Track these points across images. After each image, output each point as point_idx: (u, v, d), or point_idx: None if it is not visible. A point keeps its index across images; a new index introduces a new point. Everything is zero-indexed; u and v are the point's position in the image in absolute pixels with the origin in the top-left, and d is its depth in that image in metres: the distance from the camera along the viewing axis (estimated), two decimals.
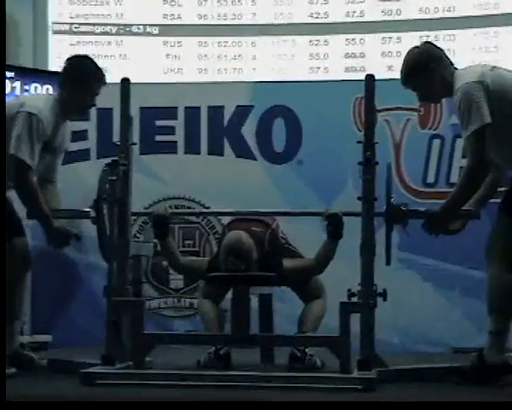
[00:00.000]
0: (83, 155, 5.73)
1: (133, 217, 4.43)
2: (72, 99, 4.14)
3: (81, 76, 4.13)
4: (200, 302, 4.66)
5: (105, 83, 4.20)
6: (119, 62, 6.09)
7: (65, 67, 4.20)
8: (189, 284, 5.80)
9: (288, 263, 4.38)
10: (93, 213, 3.95)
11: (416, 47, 3.99)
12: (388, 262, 3.88)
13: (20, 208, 4.14)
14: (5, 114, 3.96)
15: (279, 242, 4.52)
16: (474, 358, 3.78)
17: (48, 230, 4.05)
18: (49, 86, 5.57)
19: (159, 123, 5.89)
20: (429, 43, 4.11)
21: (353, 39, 6.04)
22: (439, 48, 3.98)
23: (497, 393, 3.53)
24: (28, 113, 3.99)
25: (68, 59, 4.27)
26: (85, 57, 4.30)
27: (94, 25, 6.18)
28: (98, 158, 5.70)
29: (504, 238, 3.76)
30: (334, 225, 4.25)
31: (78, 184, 5.49)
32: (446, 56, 3.95)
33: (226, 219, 5.27)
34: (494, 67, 3.89)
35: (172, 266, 4.70)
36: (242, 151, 5.84)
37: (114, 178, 3.94)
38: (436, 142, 5.71)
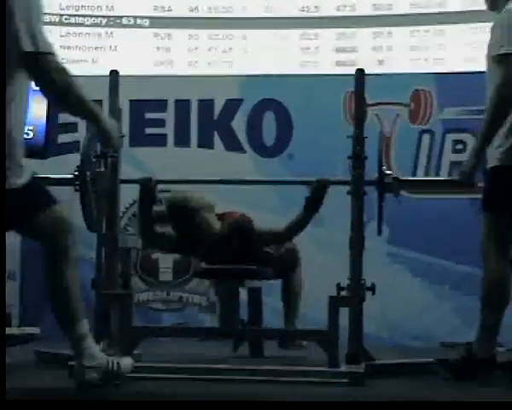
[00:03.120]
0: (73, 147, 5.71)
1: (122, 209, 4.43)
2: None
3: None
4: None
5: None
6: (109, 54, 6.06)
7: None
8: (178, 278, 5.80)
9: (259, 227, 4.39)
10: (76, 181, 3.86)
11: None
12: (379, 232, 3.87)
13: None
14: (5, 113, 3.82)
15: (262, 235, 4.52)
16: (462, 351, 3.78)
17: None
18: None
19: (148, 115, 5.88)
20: None
21: (344, 33, 6.03)
22: None
23: (483, 387, 3.54)
24: None
25: None
26: None
27: (84, 16, 6.15)
28: None
29: (492, 235, 3.75)
30: (312, 196, 4.18)
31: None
32: None
33: None
34: None
35: (142, 235, 4.52)
36: (232, 144, 5.84)
37: (103, 169, 3.93)
38: (426, 137, 5.72)
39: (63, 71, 3.02)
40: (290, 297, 4.59)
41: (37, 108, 5.52)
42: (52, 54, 3.01)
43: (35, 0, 3.03)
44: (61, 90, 3.03)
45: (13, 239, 5.62)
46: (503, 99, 3.62)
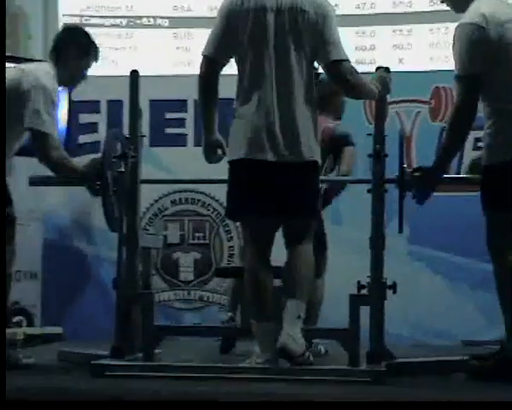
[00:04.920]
0: (93, 148, 5.73)
1: (143, 210, 4.44)
2: (69, 69, 4.07)
3: (82, 46, 4.09)
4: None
5: (98, 58, 4.17)
6: (128, 55, 6.09)
7: (63, 37, 4.15)
8: (198, 277, 5.82)
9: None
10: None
11: None
12: (400, 231, 3.85)
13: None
14: (5, 112, 3.84)
15: None
16: (495, 353, 3.70)
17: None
18: None
19: (169, 115, 5.90)
20: None
21: (364, 32, 6.02)
22: None
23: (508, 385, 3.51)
24: (46, 87, 3.93)
25: (65, 29, 4.29)
26: (81, 29, 4.29)
27: (104, 17, 6.18)
28: None
29: (495, 235, 3.70)
30: None
31: None
32: None
33: None
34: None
35: None
36: None
37: (123, 169, 3.94)
38: None
39: (355, 72, 3.63)
40: (309, 305, 4.44)
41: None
42: (348, 60, 3.61)
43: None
44: (357, 89, 3.69)
45: (35, 240, 5.68)
46: (461, 120, 3.63)
